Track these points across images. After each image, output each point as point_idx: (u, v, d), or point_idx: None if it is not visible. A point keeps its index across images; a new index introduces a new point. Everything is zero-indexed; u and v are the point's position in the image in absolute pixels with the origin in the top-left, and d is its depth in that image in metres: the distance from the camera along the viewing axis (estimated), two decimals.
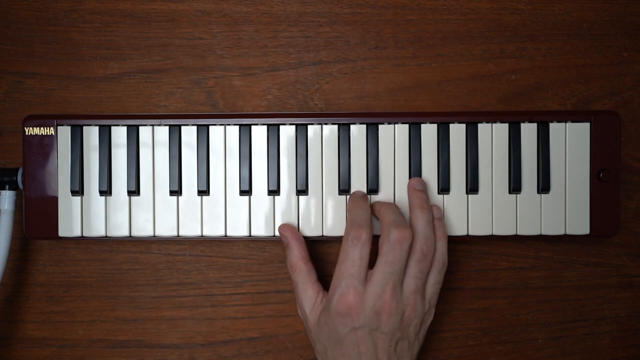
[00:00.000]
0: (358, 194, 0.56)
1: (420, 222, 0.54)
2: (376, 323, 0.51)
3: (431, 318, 0.55)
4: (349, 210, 0.55)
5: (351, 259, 0.52)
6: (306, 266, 0.55)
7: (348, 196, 0.57)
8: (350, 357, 0.51)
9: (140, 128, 0.57)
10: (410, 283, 0.53)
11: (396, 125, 0.57)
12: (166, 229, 0.57)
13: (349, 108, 0.60)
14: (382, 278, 0.52)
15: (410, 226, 0.54)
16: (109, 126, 0.57)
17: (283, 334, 0.61)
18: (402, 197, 0.57)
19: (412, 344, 0.53)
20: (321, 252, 0.60)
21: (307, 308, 0.55)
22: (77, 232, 0.57)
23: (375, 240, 0.53)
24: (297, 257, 0.55)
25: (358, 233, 0.52)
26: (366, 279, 0.52)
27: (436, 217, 0.56)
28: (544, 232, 0.57)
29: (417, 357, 0.54)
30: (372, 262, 0.53)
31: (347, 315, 0.51)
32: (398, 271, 0.52)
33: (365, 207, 0.54)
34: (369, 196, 0.57)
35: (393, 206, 0.55)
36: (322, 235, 0.57)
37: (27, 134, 0.57)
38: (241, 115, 0.58)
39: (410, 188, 0.56)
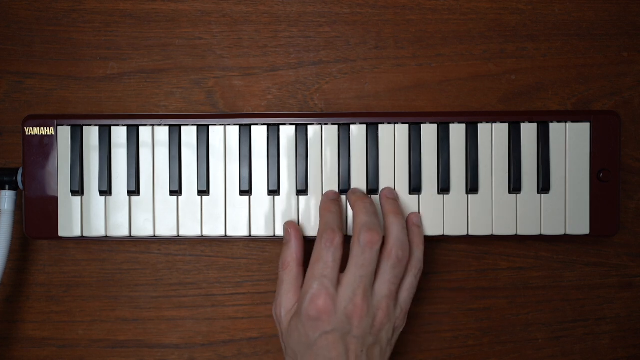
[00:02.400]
0: (330, 195, 0.56)
1: (395, 228, 0.53)
2: (347, 327, 0.51)
3: (404, 323, 0.55)
4: (320, 213, 0.55)
5: (324, 262, 0.52)
6: (297, 269, 0.55)
7: (323, 195, 0.57)
8: None
9: (140, 128, 0.57)
10: (383, 288, 0.52)
11: (396, 125, 0.57)
12: (166, 229, 0.57)
13: (349, 108, 0.60)
14: (353, 281, 0.51)
15: (385, 231, 0.54)
16: (109, 126, 0.57)
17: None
18: (402, 197, 0.57)
19: (384, 350, 0.53)
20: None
21: (283, 310, 0.54)
22: (77, 232, 0.57)
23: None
24: (292, 256, 0.55)
25: (331, 236, 0.52)
26: (338, 283, 0.52)
27: (415, 223, 0.56)
28: (544, 232, 0.57)
29: None
30: (342, 267, 0.53)
31: (318, 319, 0.51)
32: (369, 274, 0.52)
33: (336, 211, 0.54)
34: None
35: (367, 204, 0.54)
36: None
37: (27, 134, 0.57)
38: (241, 115, 0.58)
39: (382, 197, 0.56)
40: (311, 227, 0.57)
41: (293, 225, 0.56)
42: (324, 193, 0.57)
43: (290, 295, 0.54)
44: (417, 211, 0.57)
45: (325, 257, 0.52)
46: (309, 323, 0.51)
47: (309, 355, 0.51)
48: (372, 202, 0.54)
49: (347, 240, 0.55)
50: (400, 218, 0.54)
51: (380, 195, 0.56)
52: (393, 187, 0.57)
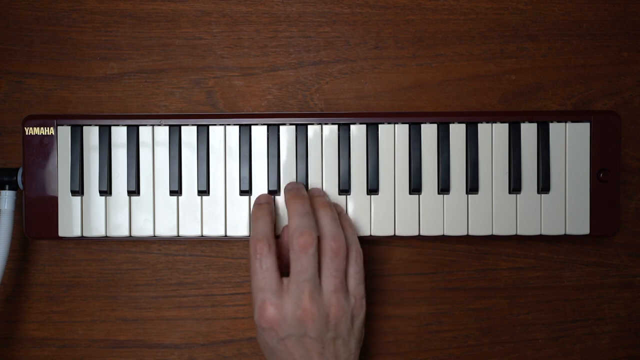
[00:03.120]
0: (258, 200, 0.56)
1: (325, 220, 0.53)
2: (302, 330, 0.51)
3: (363, 309, 0.54)
4: (251, 221, 0.55)
5: (258, 273, 0.52)
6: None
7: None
8: None
9: (140, 128, 0.57)
10: (328, 284, 0.52)
11: (396, 125, 0.57)
12: (166, 229, 0.57)
13: (349, 108, 0.60)
14: (297, 287, 0.51)
15: (318, 226, 0.53)
16: (109, 126, 0.57)
17: None
18: (402, 197, 0.57)
19: (346, 341, 0.53)
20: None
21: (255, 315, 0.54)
22: (77, 232, 0.57)
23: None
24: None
25: (258, 247, 0.52)
26: (281, 289, 0.52)
27: (338, 211, 0.56)
28: (544, 232, 0.57)
29: (359, 353, 0.54)
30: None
31: (269, 329, 0.51)
32: (310, 277, 0.51)
33: (263, 217, 0.54)
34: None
35: (299, 204, 0.53)
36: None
37: (27, 134, 0.57)
38: (241, 115, 0.58)
39: (310, 197, 0.56)
40: None
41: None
42: (257, 197, 0.56)
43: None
44: (417, 211, 0.57)
45: (258, 270, 0.52)
46: (264, 333, 0.52)
47: (275, 358, 0.53)
48: (304, 201, 0.54)
49: None
50: (328, 209, 0.54)
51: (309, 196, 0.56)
52: (393, 188, 0.57)
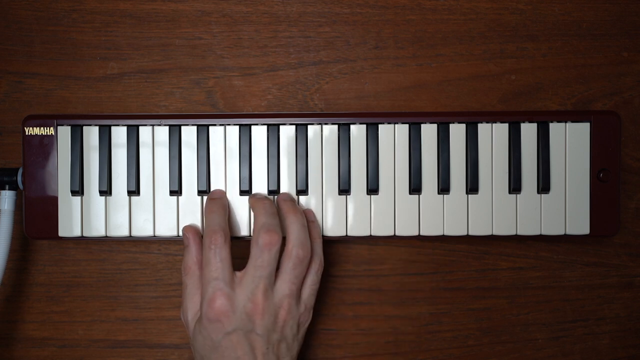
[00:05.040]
0: (211, 195, 0.56)
1: (295, 227, 0.53)
2: (249, 325, 0.51)
3: (309, 319, 0.55)
4: (204, 215, 0.55)
5: (212, 264, 0.52)
6: (200, 272, 0.54)
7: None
8: None
9: (140, 128, 0.57)
10: (284, 287, 0.53)
11: (396, 125, 0.57)
12: (166, 229, 0.57)
13: (349, 108, 0.60)
14: (252, 281, 0.52)
15: (286, 231, 0.54)
16: (109, 126, 0.57)
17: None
18: (402, 197, 0.57)
19: (290, 345, 0.53)
20: None
21: (189, 315, 0.54)
22: (77, 232, 0.57)
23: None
24: (193, 260, 0.55)
25: (213, 238, 0.52)
26: (233, 281, 0.52)
27: (310, 219, 0.56)
28: (544, 232, 0.57)
29: (297, 358, 0.55)
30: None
31: (217, 320, 0.51)
32: (267, 275, 0.52)
33: (218, 210, 0.54)
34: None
35: (267, 205, 0.54)
36: (322, 235, 0.57)
37: (27, 134, 0.57)
38: (241, 115, 0.58)
39: (279, 200, 0.56)
40: None
41: (191, 230, 0.55)
42: (210, 192, 0.57)
43: (195, 299, 0.54)
44: (417, 211, 0.57)
45: (212, 259, 0.52)
46: (210, 326, 0.51)
47: (216, 357, 0.51)
48: (271, 203, 0.55)
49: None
50: (299, 216, 0.54)
51: (277, 201, 0.57)
52: (393, 188, 0.57)
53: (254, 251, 0.52)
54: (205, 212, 0.55)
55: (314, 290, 0.55)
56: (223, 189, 0.57)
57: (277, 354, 0.52)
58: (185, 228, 0.56)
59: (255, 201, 0.55)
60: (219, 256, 0.52)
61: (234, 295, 0.51)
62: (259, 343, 0.51)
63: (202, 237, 0.55)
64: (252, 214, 0.57)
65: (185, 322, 0.55)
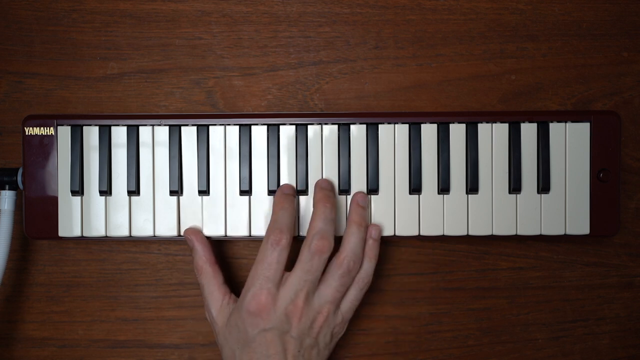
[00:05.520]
0: (284, 189, 0.56)
1: (353, 239, 0.54)
2: (286, 326, 0.52)
3: (343, 330, 0.55)
4: (273, 207, 0.55)
5: (268, 262, 0.52)
6: (212, 268, 0.55)
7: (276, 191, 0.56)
8: None
9: (140, 128, 0.57)
10: (327, 293, 0.53)
11: (396, 125, 0.57)
12: (166, 229, 0.57)
13: (349, 108, 0.60)
14: (297, 283, 0.52)
15: (343, 238, 0.55)
16: (109, 126, 0.57)
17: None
18: (402, 197, 0.57)
19: (321, 352, 0.54)
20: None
21: (214, 311, 0.55)
22: (77, 232, 0.57)
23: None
24: (202, 259, 0.55)
25: (278, 237, 0.52)
26: (281, 283, 0.52)
27: (373, 237, 0.56)
28: (544, 232, 0.57)
29: None
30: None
31: (257, 315, 0.51)
32: (313, 280, 0.52)
33: (289, 208, 0.54)
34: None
35: (328, 209, 0.54)
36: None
37: (27, 134, 0.57)
38: (241, 115, 0.58)
39: (353, 202, 0.56)
40: None
41: (191, 231, 0.56)
42: (280, 185, 0.56)
43: (215, 295, 0.55)
44: (417, 211, 0.57)
45: (270, 258, 0.52)
46: (249, 319, 0.52)
47: (247, 352, 0.52)
48: (332, 207, 0.54)
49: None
50: (361, 230, 0.55)
51: (351, 199, 0.56)
52: (393, 188, 0.57)
53: (305, 255, 0.52)
54: (275, 206, 0.54)
55: (354, 305, 0.55)
56: (222, 188, 0.57)
57: (307, 358, 0.52)
58: (186, 231, 0.56)
59: (319, 200, 0.54)
60: (277, 257, 0.52)
61: (277, 295, 0.52)
62: (292, 345, 0.52)
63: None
64: (252, 214, 0.57)
65: (211, 320, 0.55)
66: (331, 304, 0.53)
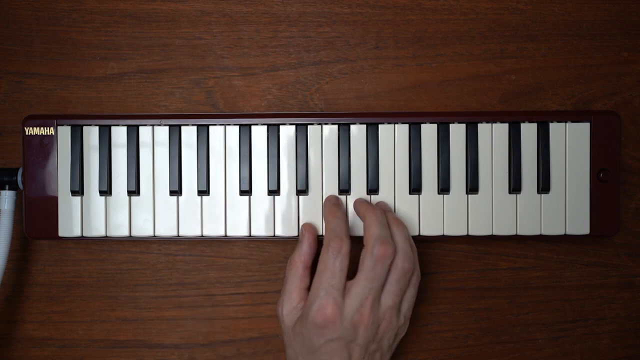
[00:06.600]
0: (332, 200, 0.56)
1: (400, 239, 0.53)
2: (353, 335, 0.51)
3: (405, 331, 0.55)
4: (325, 218, 0.55)
5: (331, 271, 0.52)
6: (303, 271, 0.55)
7: (324, 199, 0.57)
8: None
9: (140, 128, 0.57)
10: (388, 299, 0.53)
11: (396, 125, 0.57)
12: (166, 229, 0.57)
13: (349, 108, 0.60)
14: (362, 292, 0.51)
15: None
16: (109, 126, 0.57)
17: (283, 334, 0.61)
18: (402, 197, 0.57)
19: (384, 354, 0.54)
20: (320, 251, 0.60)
21: (285, 309, 0.54)
22: (77, 232, 0.57)
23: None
24: (300, 258, 0.55)
25: (339, 245, 0.52)
26: (345, 291, 0.52)
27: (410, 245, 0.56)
28: (544, 232, 0.57)
29: None
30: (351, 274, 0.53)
31: (324, 327, 0.51)
32: (378, 287, 0.52)
33: (342, 216, 0.54)
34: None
35: (379, 215, 0.54)
36: (322, 235, 0.57)
37: (27, 134, 0.57)
38: (241, 115, 0.58)
39: (379, 208, 0.55)
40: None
41: (309, 229, 0.56)
42: (325, 197, 0.56)
43: (293, 295, 0.54)
44: (417, 211, 0.57)
45: (332, 267, 0.52)
46: (314, 330, 0.51)
47: (310, 359, 0.52)
48: (382, 212, 0.54)
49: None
50: (403, 228, 0.54)
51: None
52: (393, 188, 0.57)
53: (368, 262, 0.52)
54: (327, 216, 0.54)
55: (412, 303, 0.55)
56: (222, 188, 0.57)
57: None
58: (305, 225, 0.56)
59: (367, 210, 0.54)
60: (340, 265, 0.52)
61: (343, 305, 0.51)
62: (357, 352, 0.52)
63: (316, 236, 0.56)
64: (252, 214, 0.57)
65: (280, 315, 0.55)
66: (393, 308, 0.53)
